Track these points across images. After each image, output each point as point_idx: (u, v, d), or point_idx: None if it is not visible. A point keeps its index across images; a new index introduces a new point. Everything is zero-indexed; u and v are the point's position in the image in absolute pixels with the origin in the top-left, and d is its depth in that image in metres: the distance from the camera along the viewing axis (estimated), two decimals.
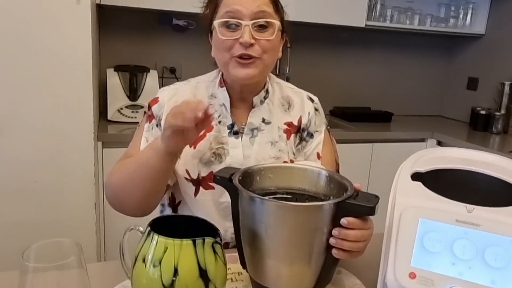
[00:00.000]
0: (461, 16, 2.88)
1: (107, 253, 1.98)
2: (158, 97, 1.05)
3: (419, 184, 0.84)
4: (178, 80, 2.47)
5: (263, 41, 0.94)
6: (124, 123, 2.18)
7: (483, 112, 2.70)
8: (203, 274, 0.67)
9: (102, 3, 2.02)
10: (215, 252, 0.69)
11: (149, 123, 1.04)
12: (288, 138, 1.07)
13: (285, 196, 0.87)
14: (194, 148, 1.01)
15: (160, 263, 0.66)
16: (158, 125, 1.02)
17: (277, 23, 0.95)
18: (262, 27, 0.94)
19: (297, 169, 0.88)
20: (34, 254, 0.56)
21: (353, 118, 2.69)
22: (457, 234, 0.73)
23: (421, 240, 0.74)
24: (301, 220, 0.72)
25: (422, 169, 0.91)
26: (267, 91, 1.07)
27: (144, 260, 0.68)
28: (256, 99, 1.05)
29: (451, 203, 0.77)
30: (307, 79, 2.80)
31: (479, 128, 2.71)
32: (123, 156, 1.06)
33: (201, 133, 0.99)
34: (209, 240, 0.68)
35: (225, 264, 0.71)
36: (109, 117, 2.18)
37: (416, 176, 0.88)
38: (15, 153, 1.70)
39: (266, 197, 0.80)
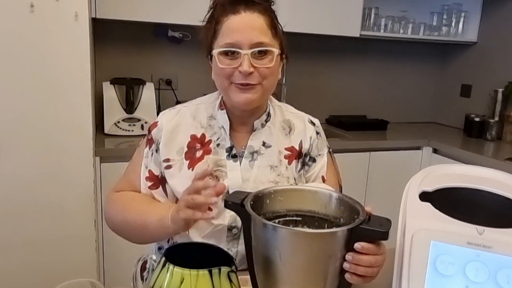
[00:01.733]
0: (453, 24, 2.91)
1: (106, 271, 1.96)
2: (157, 121, 1.05)
3: (428, 205, 0.85)
4: (174, 92, 2.47)
5: (262, 68, 0.94)
6: (121, 136, 2.17)
7: (477, 119, 2.73)
8: None
9: (97, 17, 2.02)
10: (230, 281, 0.69)
11: (149, 148, 1.05)
12: (289, 163, 1.07)
13: (294, 218, 0.87)
14: (192, 170, 1.01)
15: None
16: (157, 150, 1.03)
17: (276, 50, 0.95)
18: (261, 53, 0.94)
19: (307, 191, 0.88)
20: None
21: (349, 126, 2.71)
22: (469, 257, 0.73)
23: (434, 263, 0.74)
24: (315, 246, 0.72)
25: (430, 188, 0.91)
26: (268, 114, 1.07)
27: None
28: (257, 123, 1.05)
29: (462, 225, 0.78)
30: (303, 88, 2.81)
31: (473, 135, 2.74)
32: (124, 177, 1.07)
33: (199, 156, 1.02)
34: (225, 269, 0.68)
35: None
36: (105, 131, 2.16)
37: (424, 196, 0.89)
38: (13, 170, 1.68)
39: (280, 224, 0.81)
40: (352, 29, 2.52)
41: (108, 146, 2.01)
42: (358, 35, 2.53)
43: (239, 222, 0.97)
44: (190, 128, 1.04)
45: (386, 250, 0.79)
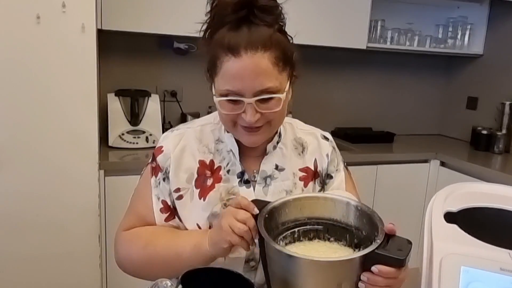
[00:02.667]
0: (459, 36, 2.90)
1: (110, 287, 1.91)
2: (162, 146, 0.96)
3: (454, 227, 0.81)
4: (179, 104, 2.44)
5: (268, 113, 0.86)
6: (125, 149, 2.13)
7: (484, 132, 2.70)
8: None
9: (103, 28, 1.99)
10: None
11: (155, 177, 0.96)
12: (305, 185, 1.01)
13: (316, 227, 0.84)
14: (204, 200, 0.94)
15: None
16: (165, 179, 0.95)
17: (282, 96, 0.85)
18: (267, 98, 0.85)
19: (329, 199, 0.85)
20: None
21: (355, 139, 2.68)
22: (504, 284, 0.70)
23: None
24: (330, 272, 0.69)
25: (454, 208, 0.88)
26: (279, 135, 1.01)
27: None
28: (269, 147, 0.98)
29: (493, 249, 0.74)
30: (309, 100, 2.78)
31: (481, 148, 2.70)
32: (131, 213, 0.98)
33: (210, 184, 0.95)
34: None
35: None
36: (110, 143, 2.13)
37: (449, 217, 0.85)
38: (17, 183, 1.65)
39: (300, 232, 0.81)
40: (359, 41, 2.50)
41: (113, 159, 1.98)
42: (364, 47, 2.52)
43: (256, 255, 0.93)
44: (198, 153, 0.96)
45: (408, 269, 0.75)
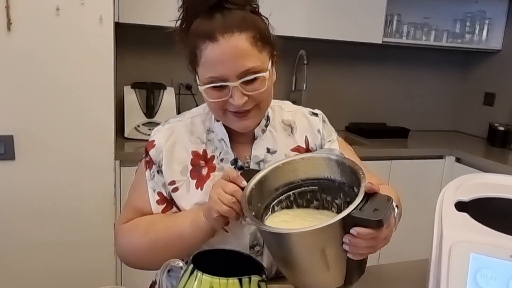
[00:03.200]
0: (477, 31, 2.86)
1: (124, 275, 1.95)
2: (154, 141, 0.97)
3: (465, 215, 0.81)
4: (194, 97, 2.46)
5: (255, 94, 0.87)
6: (140, 140, 2.16)
7: (501, 128, 2.66)
8: None
9: (120, 21, 2.02)
10: None
11: (150, 170, 0.97)
12: None
13: (311, 188, 0.85)
14: (201, 189, 0.95)
15: None
16: (159, 172, 0.96)
17: (266, 74, 0.86)
18: (251, 80, 0.86)
19: (322, 158, 0.84)
20: None
21: (369, 134, 2.67)
22: None
23: (474, 277, 0.71)
24: (309, 241, 0.69)
25: (465, 198, 0.88)
26: (267, 118, 1.01)
27: None
28: (257, 130, 0.99)
29: (503, 237, 0.74)
30: (323, 95, 2.78)
31: (497, 144, 2.67)
32: (129, 207, 0.99)
33: (205, 173, 0.96)
34: (255, 278, 0.66)
35: None
36: (126, 135, 2.16)
37: (460, 206, 0.85)
38: (35, 174, 1.68)
39: (294, 195, 0.82)
40: (375, 35, 2.48)
41: (128, 150, 2.01)
42: (380, 42, 2.50)
43: (260, 239, 0.94)
44: (190, 144, 0.97)
45: (392, 226, 0.74)
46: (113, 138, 1.76)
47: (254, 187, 0.79)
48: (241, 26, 0.83)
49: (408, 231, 2.50)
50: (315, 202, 0.86)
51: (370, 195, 0.70)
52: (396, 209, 0.84)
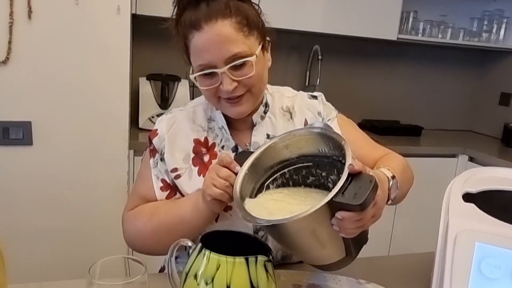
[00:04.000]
0: (494, 30, 2.82)
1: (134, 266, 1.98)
2: (156, 129, 1.00)
3: (472, 205, 0.82)
4: None
5: (245, 80, 0.88)
6: None
7: None
8: None
9: (137, 13, 2.05)
10: (266, 271, 0.68)
11: (153, 158, 1.00)
12: None
13: (306, 164, 0.85)
14: (204, 176, 0.96)
15: (212, 280, 0.65)
16: (162, 159, 0.99)
17: (252, 58, 0.87)
18: (239, 65, 0.87)
19: (311, 133, 0.83)
20: (100, 269, 0.56)
21: (382, 131, 2.66)
22: None
23: (478, 266, 0.71)
24: (298, 227, 0.69)
25: (473, 189, 0.88)
26: (266, 105, 1.02)
27: (195, 277, 0.67)
28: (255, 117, 1.00)
29: (509, 227, 0.74)
30: (336, 91, 2.78)
31: None
32: (134, 195, 1.02)
33: (207, 161, 0.98)
34: (261, 258, 0.67)
35: (275, 284, 0.70)
36: (140, 125, 2.20)
37: (467, 197, 0.86)
38: (51, 159, 1.73)
39: (290, 172, 0.83)
40: (390, 32, 2.47)
41: (142, 140, 2.04)
42: (395, 39, 2.49)
43: None
44: (192, 133, 0.99)
45: (379, 204, 0.73)
46: (127, 127, 1.79)
47: (247, 172, 0.80)
48: (224, 13, 0.85)
49: (419, 228, 2.50)
50: (311, 178, 0.85)
51: (354, 175, 0.68)
52: (391, 181, 0.83)
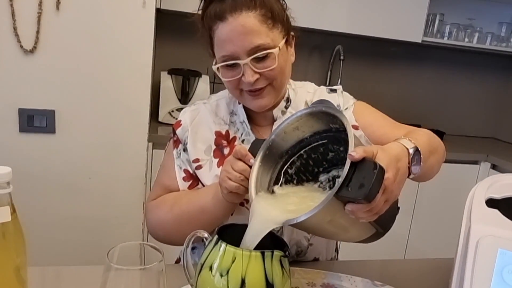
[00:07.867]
0: None
1: (149, 252, 2.00)
2: (180, 120, 1.01)
3: (495, 211, 0.80)
4: None
5: (267, 72, 0.89)
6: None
7: None
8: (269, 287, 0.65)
9: (162, 7, 2.07)
10: (282, 266, 0.67)
11: (177, 148, 1.01)
12: None
13: (321, 142, 0.82)
14: None
15: (227, 272, 0.65)
16: (185, 150, 1.00)
17: (275, 51, 0.87)
18: (262, 57, 0.88)
19: (315, 112, 0.78)
20: (118, 254, 0.56)
21: None
22: None
23: (501, 273, 0.69)
24: (313, 221, 0.66)
25: (498, 195, 0.86)
26: (287, 100, 1.01)
27: (210, 268, 0.67)
28: (276, 112, 1.00)
29: None
30: (357, 92, 2.71)
31: None
32: (157, 185, 1.03)
33: (227, 153, 0.98)
34: (277, 253, 0.67)
35: (290, 280, 0.69)
36: (160, 119, 2.22)
37: (491, 203, 0.84)
38: (72, 149, 1.75)
39: (306, 153, 0.82)
40: (414, 34, 2.44)
41: (161, 133, 2.06)
42: (420, 41, 2.46)
43: None
44: (214, 125, 1.00)
45: (391, 187, 0.67)
46: (147, 120, 1.81)
47: (260, 164, 0.79)
48: (249, 5, 0.86)
49: (436, 234, 2.46)
50: (330, 154, 0.83)
51: (357, 163, 0.64)
52: (412, 154, 0.75)
